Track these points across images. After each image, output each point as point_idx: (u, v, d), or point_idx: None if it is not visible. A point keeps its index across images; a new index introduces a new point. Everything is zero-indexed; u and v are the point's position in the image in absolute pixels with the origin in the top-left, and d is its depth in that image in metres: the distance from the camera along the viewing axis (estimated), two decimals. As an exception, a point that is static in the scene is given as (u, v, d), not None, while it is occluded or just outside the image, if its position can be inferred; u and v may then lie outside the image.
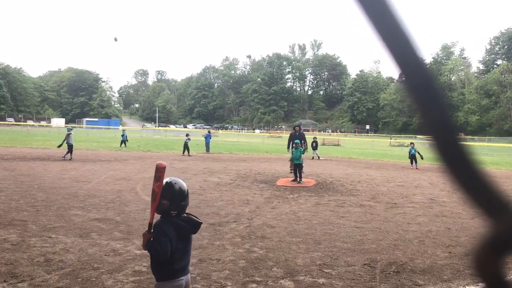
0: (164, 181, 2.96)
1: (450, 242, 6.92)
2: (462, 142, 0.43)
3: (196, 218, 3.04)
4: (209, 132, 29.69)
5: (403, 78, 0.43)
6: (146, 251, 2.92)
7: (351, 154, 32.69)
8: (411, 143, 22.90)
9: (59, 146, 19.24)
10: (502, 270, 0.41)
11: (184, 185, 3.02)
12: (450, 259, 5.95)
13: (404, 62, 0.43)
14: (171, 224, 2.87)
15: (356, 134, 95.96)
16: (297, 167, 13.86)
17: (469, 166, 0.42)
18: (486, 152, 40.08)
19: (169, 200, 2.89)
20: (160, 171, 2.91)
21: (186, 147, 24.99)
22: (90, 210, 8.40)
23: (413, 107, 0.43)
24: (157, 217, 2.99)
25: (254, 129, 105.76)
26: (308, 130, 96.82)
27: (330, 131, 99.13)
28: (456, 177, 0.42)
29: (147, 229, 2.94)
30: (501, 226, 0.40)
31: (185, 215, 3.00)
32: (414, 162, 21.35)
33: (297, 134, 16.43)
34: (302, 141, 15.30)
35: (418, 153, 21.25)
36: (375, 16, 0.42)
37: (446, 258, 6.01)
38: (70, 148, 18.78)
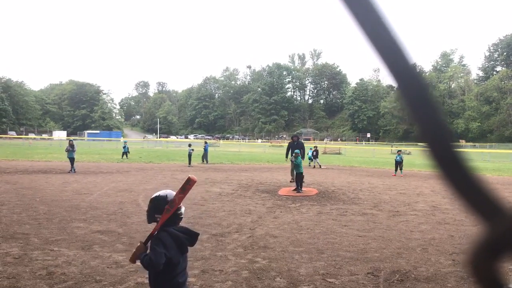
0: (153, 196, 2.95)
1: (454, 250, 6.89)
2: (456, 149, 0.44)
3: (192, 229, 3.01)
4: (206, 142, 29.53)
5: (398, 88, 0.44)
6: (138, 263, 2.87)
7: (353, 162, 32.65)
8: (398, 150, 23.07)
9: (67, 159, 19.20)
10: (499, 274, 0.41)
11: (174, 194, 2.97)
12: (454, 267, 5.92)
13: (398, 72, 0.44)
14: (171, 236, 2.82)
15: (357, 142, 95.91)
16: (298, 177, 13.86)
17: (464, 172, 0.43)
18: (487, 159, 39.99)
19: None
20: (189, 183, 2.87)
21: (190, 157, 25.04)
22: (92, 222, 8.38)
23: (409, 115, 0.44)
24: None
25: (257, 139, 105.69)
26: (309, 139, 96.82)
27: (327, 140, 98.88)
28: (451, 182, 0.43)
29: (144, 240, 2.87)
30: (495, 229, 0.41)
31: (180, 226, 2.96)
32: (399, 169, 21.50)
33: (295, 143, 16.46)
34: (301, 151, 15.42)
35: (402, 161, 21.51)
36: (369, 28, 0.43)
37: (449, 266, 5.98)
38: (72, 161, 18.82)
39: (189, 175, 2.93)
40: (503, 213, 0.41)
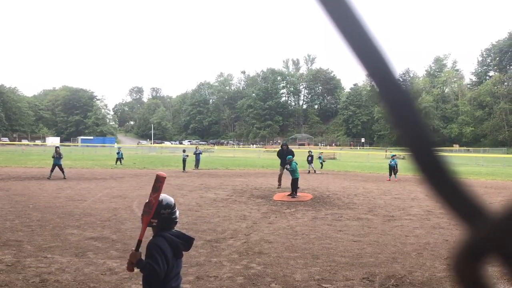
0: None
1: (449, 254, 6.90)
2: (438, 153, 0.44)
3: (187, 234, 3.01)
4: (196, 148, 29.49)
5: (379, 94, 0.45)
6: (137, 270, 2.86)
7: (347, 167, 32.73)
8: (392, 155, 23.18)
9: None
10: (483, 278, 0.42)
11: (170, 198, 2.99)
12: (449, 271, 5.93)
13: (379, 81, 0.44)
14: (166, 241, 2.82)
15: (352, 147, 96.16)
16: (293, 182, 13.87)
17: (445, 175, 0.43)
18: (481, 163, 40.19)
19: (158, 217, 2.87)
20: (160, 180, 2.87)
21: (184, 163, 24.97)
22: (86, 229, 8.33)
23: (390, 121, 0.45)
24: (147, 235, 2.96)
25: (251, 144, 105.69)
26: (304, 144, 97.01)
27: (321, 145, 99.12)
28: (434, 187, 0.44)
29: (134, 248, 2.85)
30: (478, 233, 0.41)
31: (175, 231, 2.97)
32: (393, 173, 21.55)
33: (285, 153, 16.50)
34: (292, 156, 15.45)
35: (396, 166, 21.56)
36: (349, 35, 0.44)
37: (444, 270, 6.00)
38: (54, 167, 18.65)
39: (157, 173, 2.93)
40: (486, 216, 0.42)
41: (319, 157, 29.82)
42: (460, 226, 0.43)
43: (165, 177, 2.91)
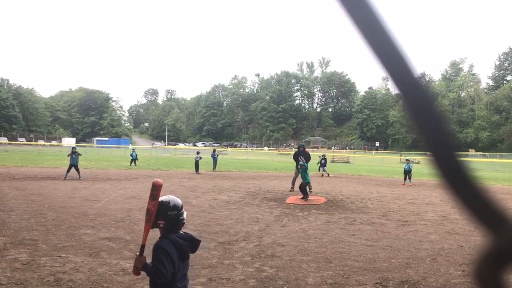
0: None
1: (463, 260, 6.80)
2: (460, 159, 0.43)
3: (194, 236, 2.99)
4: (214, 150, 29.80)
5: (402, 98, 0.44)
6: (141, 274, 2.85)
7: (361, 171, 32.48)
8: (406, 159, 22.91)
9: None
10: (505, 286, 0.41)
11: (177, 200, 2.97)
12: (464, 278, 5.85)
13: (402, 83, 0.44)
14: (172, 243, 2.81)
15: (366, 151, 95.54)
16: (302, 185, 13.83)
17: (468, 181, 0.43)
18: (498, 169, 39.56)
19: (165, 219, 2.86)
20: (157, 189, 2.87)
21: (197, 165, 25.08)
22: (100, 229, 8.41)
23: (413, 125, 0.44)
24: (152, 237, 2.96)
25: (265, 146, 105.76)
26: (317, 147, 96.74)
27: (334, 148, 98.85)
28: (456, 192, 0.43)
29: (139, 253, 2.84)
30: (500, 239, 0.40)
31: (182, 232, 2.95)
32: (408, 178, 21.25)
33: (300, 154, 16.50)
34: (305, 158, 15.41)
35: (410, 170, 21.31)
36: (372, 39, 0.44)
37: (459, 277, 5.91)
38: (70, 168, 18.85)
39: (153, 180, 2.93)
40: (508, 223, 0.41)
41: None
42: (481, 232, 0.43)
43: (161, 185, 2.91)
